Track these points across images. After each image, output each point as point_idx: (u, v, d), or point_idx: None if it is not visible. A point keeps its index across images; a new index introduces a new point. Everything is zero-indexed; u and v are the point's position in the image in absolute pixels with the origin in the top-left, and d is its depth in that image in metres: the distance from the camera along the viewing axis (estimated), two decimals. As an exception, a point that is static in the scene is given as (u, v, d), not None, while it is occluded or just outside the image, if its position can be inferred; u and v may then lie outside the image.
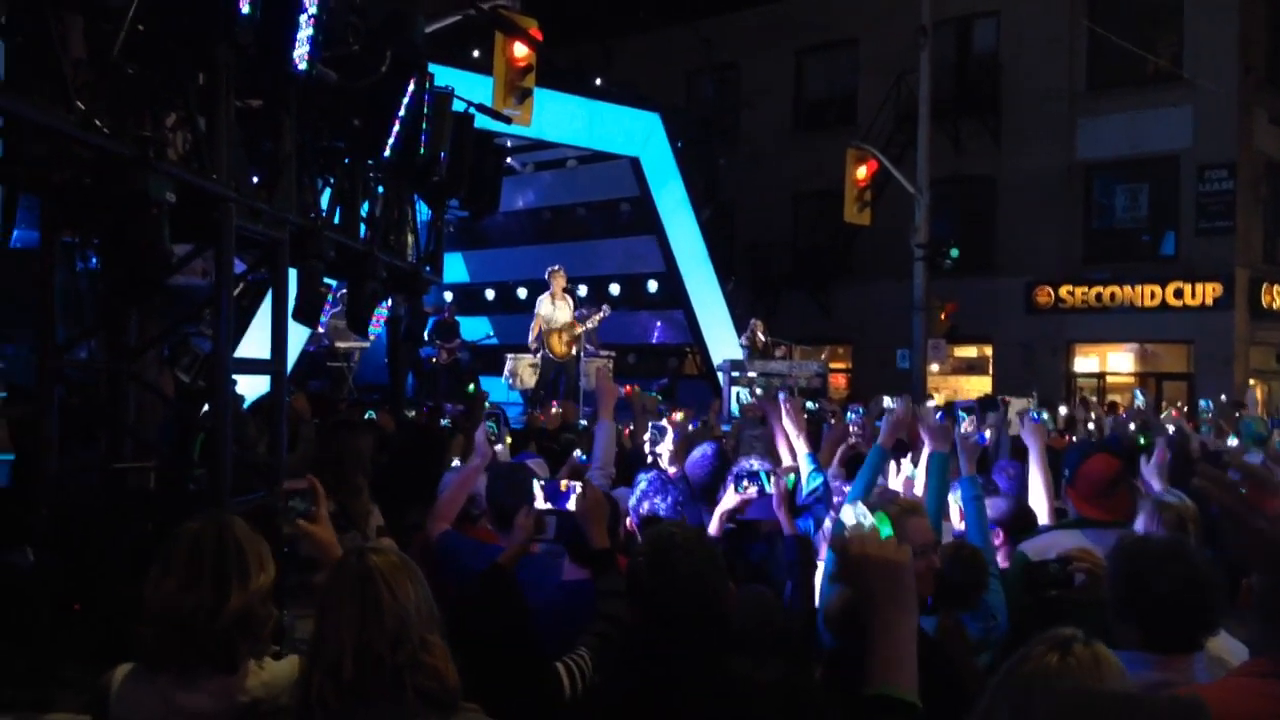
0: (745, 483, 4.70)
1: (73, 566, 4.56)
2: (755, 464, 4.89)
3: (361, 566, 2.65)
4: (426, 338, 17.57)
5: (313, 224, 6.25)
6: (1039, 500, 5.32)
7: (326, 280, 6.59)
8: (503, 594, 3.77)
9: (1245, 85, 22.03)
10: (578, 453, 6.17)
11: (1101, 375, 24.81)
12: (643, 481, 4.89)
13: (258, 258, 5.98)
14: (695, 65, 27.93)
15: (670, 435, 6.51)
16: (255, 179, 5.96)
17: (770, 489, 4.69)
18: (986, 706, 2.01)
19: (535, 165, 21.36)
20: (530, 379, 16.27)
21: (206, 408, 5.45)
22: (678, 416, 7.43)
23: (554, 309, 15.58)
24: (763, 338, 17.67)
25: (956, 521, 5.00)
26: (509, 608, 3.48)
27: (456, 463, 5.94)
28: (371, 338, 14.93)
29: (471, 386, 11.23)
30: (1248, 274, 22.26)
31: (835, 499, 5.22)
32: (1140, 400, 11.51)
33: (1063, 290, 23.91)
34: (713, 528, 4.74)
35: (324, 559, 3.46)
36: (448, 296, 20.05)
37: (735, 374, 16.58)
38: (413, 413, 11.17)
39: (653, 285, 21.31)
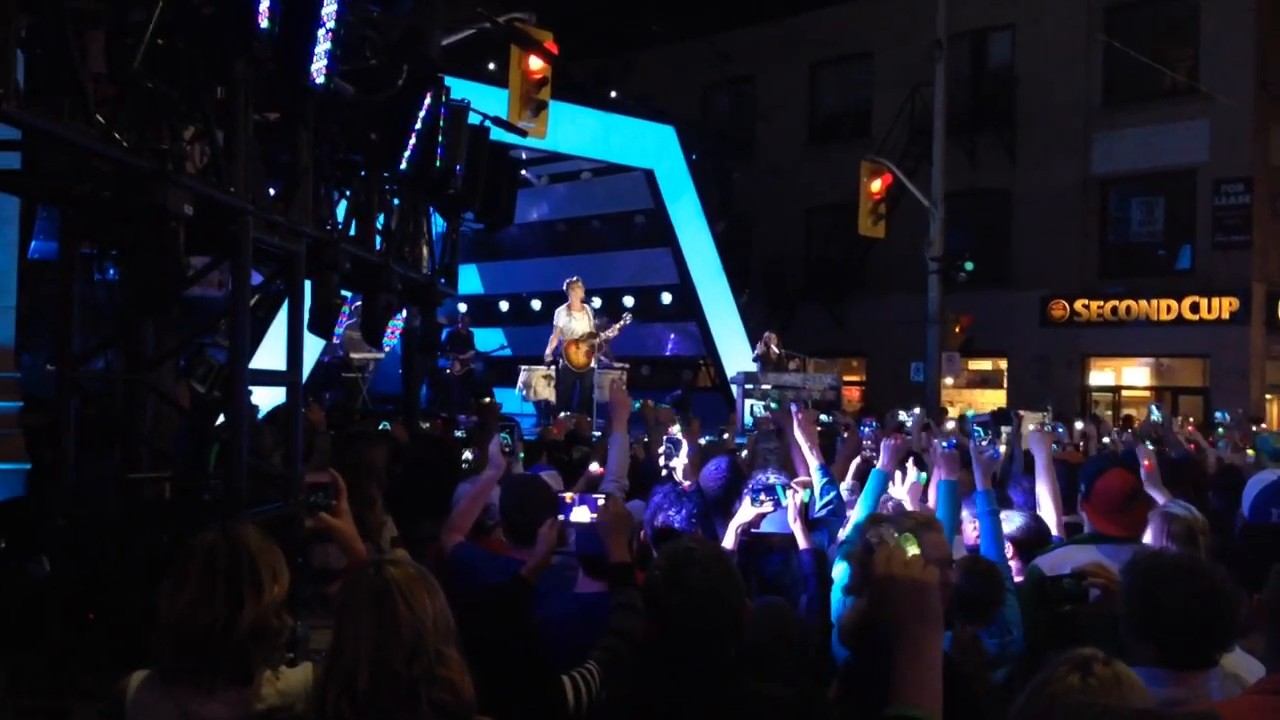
0: (762, 496, 4.68)
1: (88, 576, 4.57)
2: (771, 477, 4.88)
3: (378, 578, 2.65)
4: (443, 350, 17.59)
5: (329, 236, 6.29)
6: (1046, 511, 5.31)
7: (342, 292, 6.62)
8: (518, 604, 3.77)
9: (1262, 99, 21.95)
10: (595, 465, 6.16)
11: (1117, 389, 24.70)
12: (657, 494, 4.89)
13: (274, 270, 6.01)
14: (711, 78, 27.98)
15: (685, 448, 6.50)
16: (272, 191, 6.00)
17: (786, 502, 4.68)
18: None
19: (550, 177, 21.41)
20: (544, 390, 16.26)
21: (222, 418, 5.48)
22: (674, 430, 7.43)
23: (571, 320, 15.59)
24: (776, 350, 17.64)
25: (970, 536, 4.99)
26: (517, 618, 3.47)
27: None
28: (386, 349, 14.96)
29: (486, 399, 11.24)
30: (1264, 288, 22.15)
31: (848, 512, 5.21)
32: (1156, 415, 11.44)
33: (1078, 304, 23.83)
34: (728, 541, 4.73)
35: (345, 552, 3.46)
36: (461, 308, 20.09)
37: (749, 386, 16.56)
38: (426, 424, 11.18)
39: (666, 297, 21.32)
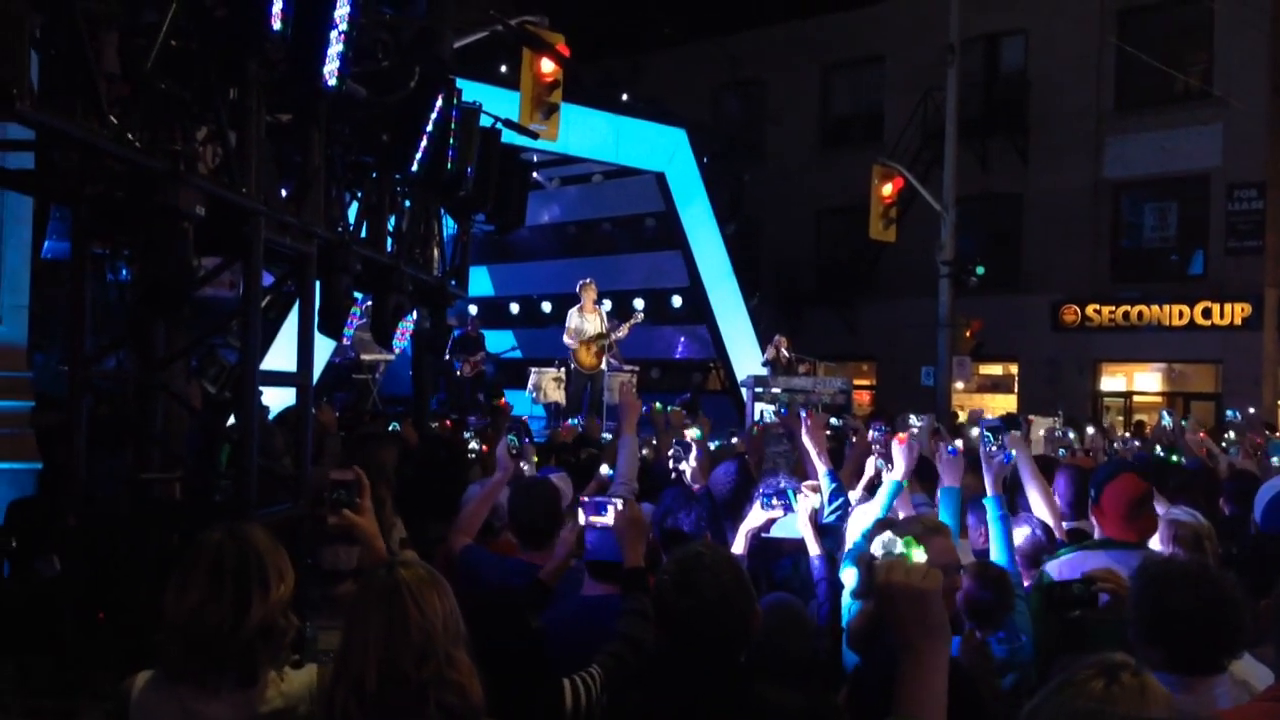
0: (773, 500, 4.67)
1: (99, 576, 4.59)
2: (782, 481, 4.88)
3: (389, 580, 2.66)
4: (450, 351, 17.61)
5: (340, 238, 6.30)
6: (1041, 516, 5.29)
7: (354, 294, 6.63)
8: (535, 606, 3.75)
9: (1276, 103, 21.85)
10: (605, 468, 6.16)
11: (1128, 395, 24.63)
12: (667, 497, 4.88)
13: (286, 270, 6.03)
14: (722, 81, 27.99)
15: (695, 451, 6.50)
16: (284, 192, 6.01)
17: (797, 507, 4.67)
18: None
19: (561, 180, 21.43)
20: (554, 393, 16.28)
21: (233, 419, 5.49)
22: (692, 432, 7.42)
23: (583, 320, 15.60)
24: (786, 354, 17.62)
25: (977, 541, 4.97)
26: (518, 619, 3.46)
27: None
28: (396, 351, 14.99)
29: (499, 400, 11.25)
30: (1277, 294, 22.06)
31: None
32: (1167, 421, 11.40)
33: (1090, 309, 23.77)
34: (738, 545, 4.73)
35: (366, 550, 3.46)
36: (472, 309, 20.11)
37: (759, 390, 16.54)
38: (436, 424, 11.20)
39: (677, 300, 21.33)
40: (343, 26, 5.11)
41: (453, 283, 9.77)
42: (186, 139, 4.75)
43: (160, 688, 2.84)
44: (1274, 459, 7.83)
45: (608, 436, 10.27)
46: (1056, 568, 4.50)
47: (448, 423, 11.53)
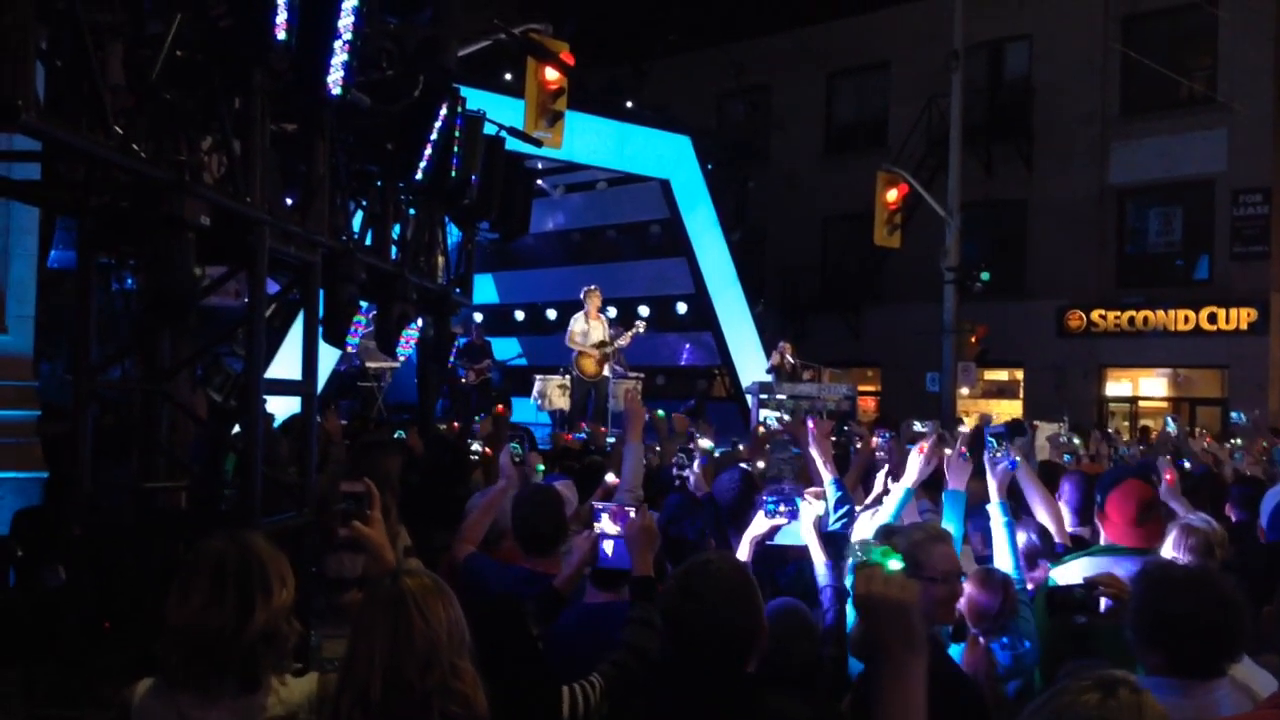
0: (781, 507, 4.65)
1: (104, 585, 4.60)
2: (787, 489, 4.87)
3: (394, 589, 2.66)
4: (454, 359, 17.62)
5: (345, 246, 6.32)
6: (1046, 521, 5.28)
7: (359, 302, 6.65)
8: (544, 611, 3.74)
9: (1280, 109, 21.86)
10: (610, 476, 6.16)
11: (1134, 400, 24.59)
12: (670, 504, 4.88)
13: (290, 279, 6.04)
14: (726, 88, 28.00)
15: (698, 458, 6.50)
16: (289, 201, 6.03)
17: (802, 514, 4.65)
18: None
19: (566, 187, 21.45)
20: (559, 400, 16.28)
21: (238, 428, 5.50)
22: (704, 444, 7.42)
23: (588, 327, 15.61)
24: (791, 360, 17.61)
25: (978, 547, 4.96)
26: (517, 626, 3.45)
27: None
28: (401, 359, 15.01)
29: (499, 407, 11.24)
30: (1283, 299, 22.05)
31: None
32: (1172, 427, 11.39)
33: (1095, 314, 23.74)
34: (742, 553, 4.72)
35: (375, 561, 3.46)
36: (477, 317, 20.13)
37: (764, 396, 16.54)
38: (444, 427, 11.22)
39: (682, 307, 21.33)
40: (347, 36, 5.13)
41: (457, 291, 9.79)
42: (191, 149, 4.77)
43: (160, 695, 2.84)
44: (1281, 464, 7.83)
45: (612, 440, 10.28)
46: (1062, 574, 4.50)
47: (454, 425, 11.55)
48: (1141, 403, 24.39)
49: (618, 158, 18.96)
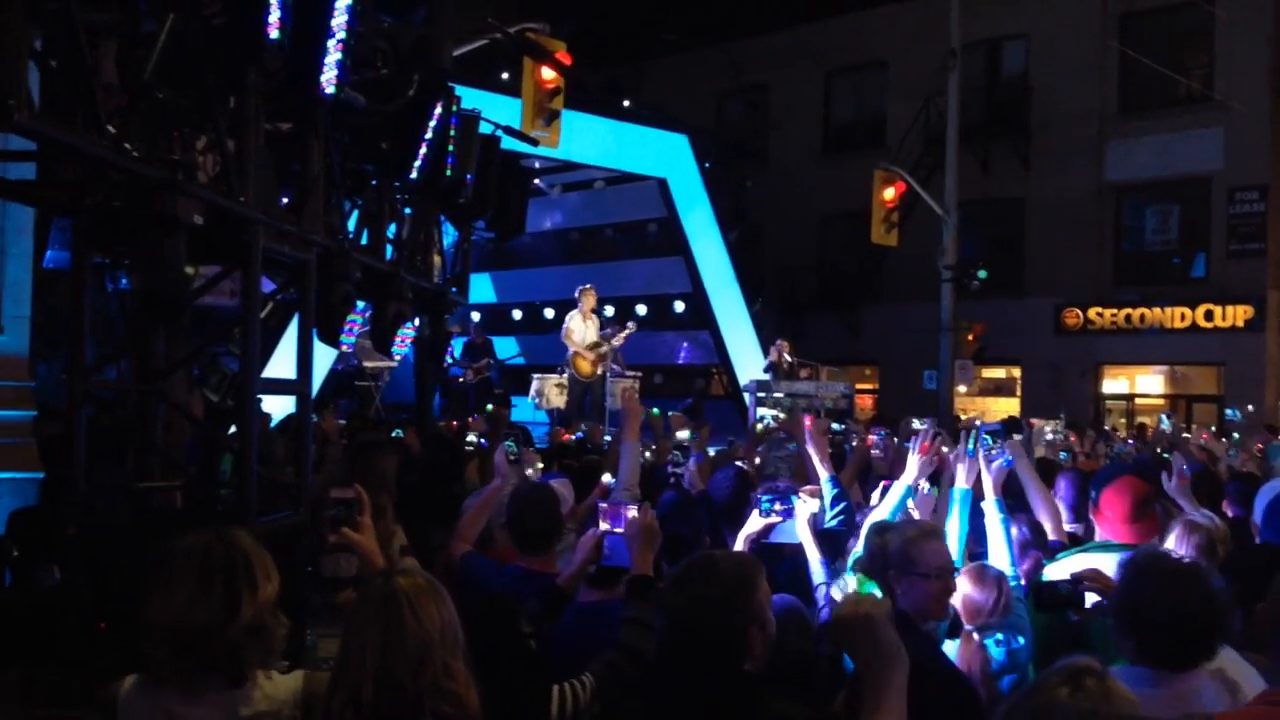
0: (776, 506, 4.65)
1: (100, 585, 4.59)
2: (782, 486, 4.88)
3: (387, 589, 2.65)
4: (457, 359, 17.63)
5: (340, 245, 6.31)
6: (1042, 517, 5.28)
7: (356, 301, 6.64)
8: (555, 611, 3.73)
9: (1276, 106, 21.83)
10: (607, 477, 6.17)
11: (1131, 397, 24.62)
12: (665, 502, 4.88)
13: (286, 279, 6.04)
14: (724, 87, 28.02)
15: (693, 456, 6.50)
16: (284, 200, 6.03)
17: (798, 512, 4.65)
18: None
19: (563, 186, 21.46)
20: (556, 399, 16.29)
21: (234, 428, 5.50)
22: (682, 434, 7.44)
23: (585, 326, 15.62)
24: (788, 359, 17.62)
25: (972, 543, 4.96)
26: (507, 624, 3.45)
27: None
28: (397, 358, 15.01)
29: (490, 406, 11.25)
30: (1279, 296, 22.05)
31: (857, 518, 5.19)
32: (1166, 424, 11.40)
33: (1092, 312, 23.76)
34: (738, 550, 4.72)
35: (366, 568, 3.43)
36: (474, 317, 20.11)
37: (761, 395, 16.55)
38: (443, 424, 11.23)
39: (679, 306, 21.34)
40: (340, 35, 5.13)
41: (453, 290, 9.79)
42: (185, 148, 4.77)
43: (144, 692, 2.84)
44: (1276, 461, 7.83)
45: (609, 439, 10.28)
46: (1056, 571, 4.50)
47: (453, 424, 11.55)
48: (1138, 400, 24.43)
49: (615, 157, 18.97)
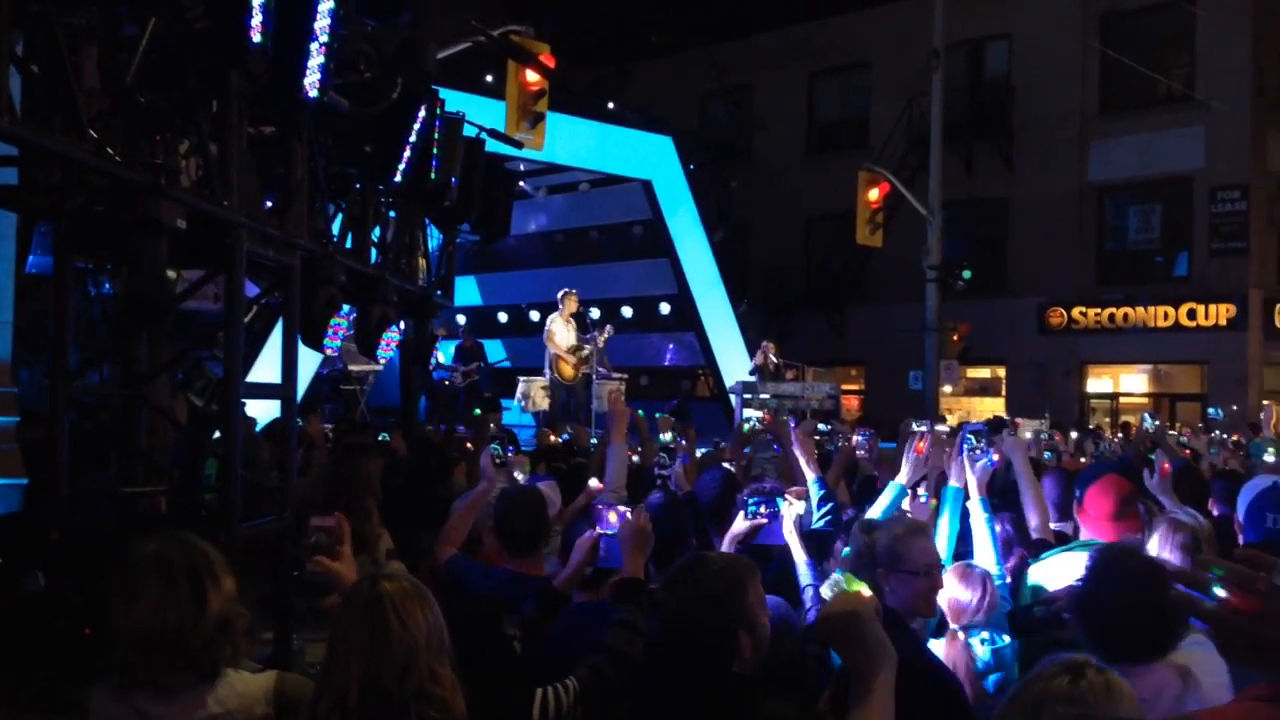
0: (761, 509, 4.65)
1: (84, 590, 4.57)
2: (768, 487, 4.88)
3: (372, 593, 2.65)
4: (447, 363, 17.62)
5: (324, 249, 6.31)
6: (1031, 515, 5.30)
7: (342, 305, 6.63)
8: (552, 613, 3.71)
9: (1258, 106, 21.99)
10: (594, 481, 6.16)
11: (1115, 396, 24.73)
12: (651, 503, 4.87)
13: (270, 283, 6.03)
14: (708, 88, 28.04)
15: (680, 458, 6.50)
16: (268, 204, 6.01)
17: (783, 513, 4.65)
18: None
19: (548, 189, 21.45)
20: (542, 402, 16.28)
21: (218, 433, 5.49)
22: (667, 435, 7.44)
23: (567, 330, 15.63)
24: (774, 360, 17.64)
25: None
26: (491, 626, 3.44)
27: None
28: (382, 361, 15.00)
29: (478, 410, 11.25)
30: (1261, 295, 22.18)
31: (843, 517, 5.20)
32: (1149, 423, 11.45)
33: (1075, 311, 23.87)
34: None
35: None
36: (460, 319, 20.08)
37: (747, 396, 16.57)
38: (430, 428, 11.20)
39: (665, 308, 21.35)
40: (323, 38, 5.12)
41: (438, 293, 9.78)
42: (168, 152, 4.76)
43: (115, 696, 2.86)
44: (1266, 456, 7.84)
45: (595, 441, 10.28)
46: (1041, 570, 4.52)
47: (440, 428, 11.53)
48: (1122, 399, 24.54)
49: (600, 159, 18.97)
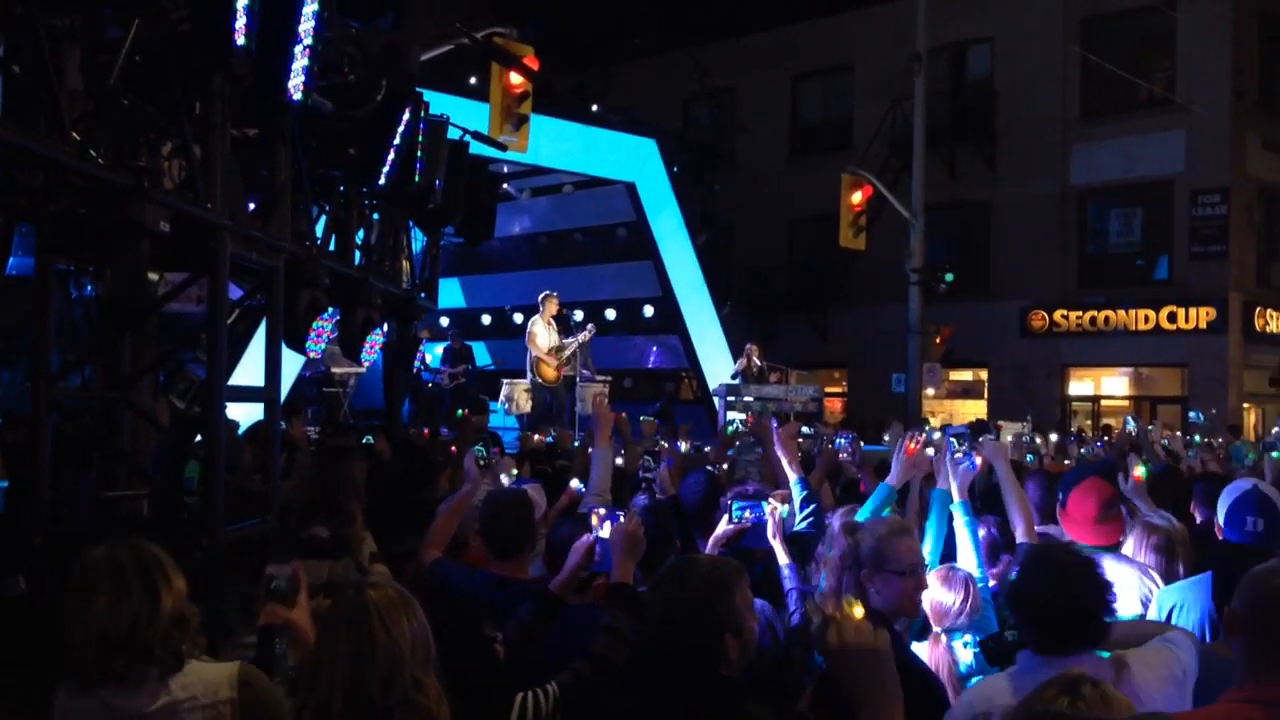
0: (746, 513, 4.66)
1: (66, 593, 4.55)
2: (751, 490, 4.88)
3: (358, 602, 2.64)
4: (435, 366, 17.59)
5: (308, 251, 6.30)
6: (1016, 520, 5.32)
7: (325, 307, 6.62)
8: (548, 617, 3.70)
9: (1237, 110, 22.13)
10: (575, 483, 6.16)
11: (1096, 399, 24.84)
12: (636, 506, 4.87)
13: (253, 285, 6.01)
14: (692, 91, 28.06)
15: (665, 461, 6.50)
16: (251, 207, 6.00)
17: (767, 516, 4.66)
18: None
19: (532, 191, 21.42)
20: (525, 404, 16.28)
21: (200, 436, 5.47)
22: (682, 446, 7.44)
23: (548, 332, 15.62)
24: (758, 362, 17.67)
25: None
26: (472, 629, 3.43)
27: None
28: (366, 364, 14.97)
29: (461, 412, 11.24)
30: (1241, 298, 22.32)
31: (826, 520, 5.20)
32: (1132, 426, 11.52)
33: (1057, 314, 23.97)
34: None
35: (293, 648, 3.33)
36: (443, 321, 20.03)
37: (731, 399, 16.58)
38: (413, 431, 11.19)
39: (648, 310, 21.35)
40: (307, 41, 5.11)
41: (422, 295, 9.77)
42: (151, 154, 4.74)
43: (77, 695, 2.88)
44: (1248, 460, 7.91)
45: (578, 443, 10.28)
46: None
47: (425, 432, 11.52)
48: (1103, 402, 24.64)
49: (583, 161, 18.96)
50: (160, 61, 4.69)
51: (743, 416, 13.88)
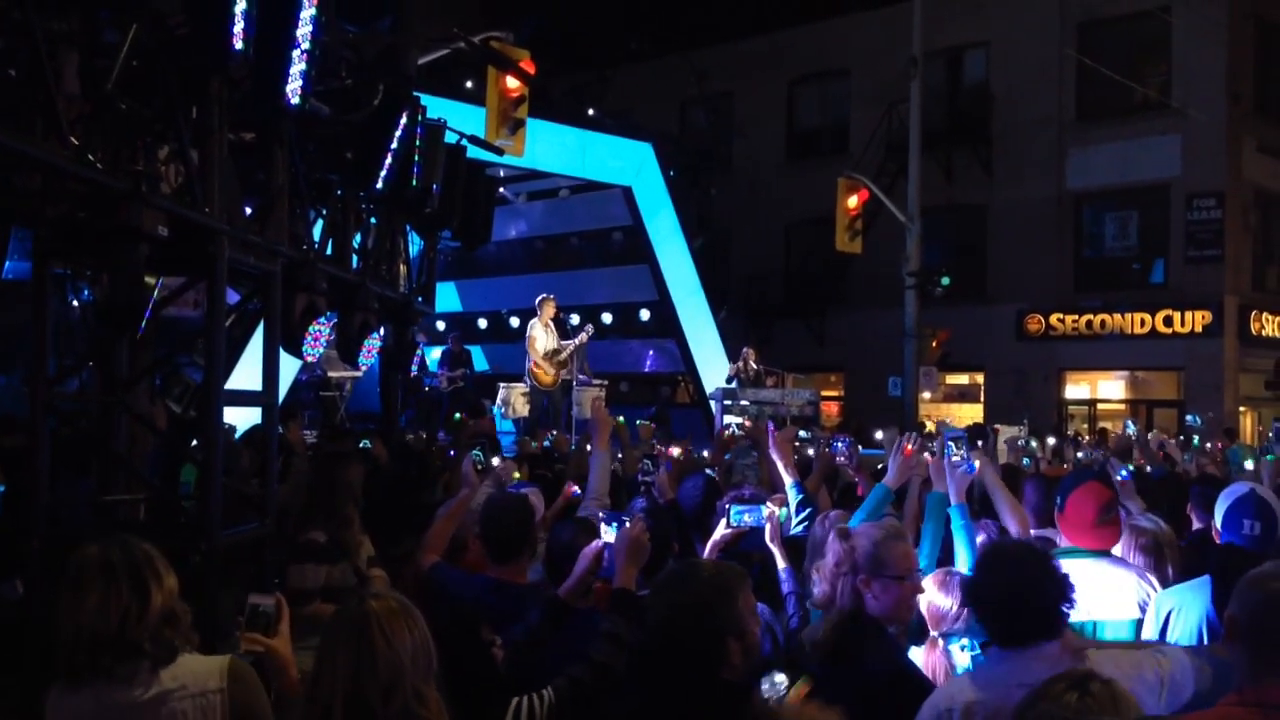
0: (745, 517, 4.66)
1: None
2: (748, 493, 4.89)
3: (359, 612, 2.64)
4: (435, 370, 17.59)
5: (305, 255, 6.29)
6: (1010, 524, 5.32)
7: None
8: (556, 623, 3.69)
9: (1233, 114, 22.18)
10: (573, 487, 6.16)
11: (1092, 402, 24.86)
12: (634, 509, 4.88)
13: (250, 289, 6.01)
14: (689, 95, 28.09)
15: (663, 465, 6.50)
16: (248, 211, 6.00)
17: (765, 520, 4.66)
18: None
19: (528, 195, 21.41)
20: (522, 408, 16.27)
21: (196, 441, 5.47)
22: (675, 451, 7.43)
23: (546, 335, 15.62)
24: (754, 366, 17.67)
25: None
26: (470, 634, 3.42)
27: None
28: (363, 368, 14.95)
29: (458, 415, 11.24)
30: (1237, 301, 22.36)
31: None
32: (1131, 429, 11.53)
33: (1053, 318, 23.99)
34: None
35: (276, 678, 3.29)
36: (439, 325, 20.00)
37: (728, 402, 16.58)
38: (411, 436, 11.18)
39: (645, 314, 21.33)
40: (305, 45, 5.12)
41: (419, 299, 9.77)
42: (148, 158, 4.74)
43: (71, 690, 2.89)
44: (1246, 464, 7.91)
45: (574, 447, 10.27)
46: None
47: (421, 435, 11.52)
48: (1100, 405, 24.66)
49: (580, 165, 18.95)
50: (158, 66, 4.69)
51: (739, 420, 13.88)
